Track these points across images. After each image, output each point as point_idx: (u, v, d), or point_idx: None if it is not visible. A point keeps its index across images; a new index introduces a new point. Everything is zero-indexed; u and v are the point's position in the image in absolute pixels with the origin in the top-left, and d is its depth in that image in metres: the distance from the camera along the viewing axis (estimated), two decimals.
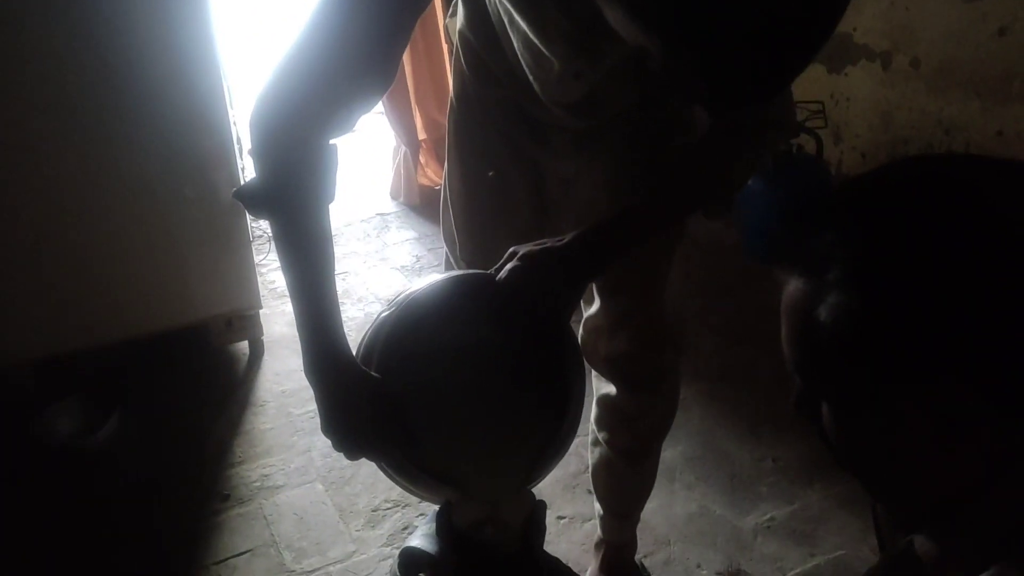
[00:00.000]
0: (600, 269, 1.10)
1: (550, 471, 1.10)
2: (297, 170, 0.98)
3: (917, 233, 0.60)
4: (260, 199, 0.98)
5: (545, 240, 1.08)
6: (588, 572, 1.65)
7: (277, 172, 0.98)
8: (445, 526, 0.94)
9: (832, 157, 3.06)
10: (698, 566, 1.70)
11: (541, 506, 0.96)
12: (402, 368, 1.02)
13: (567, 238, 1.06)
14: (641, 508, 1.59)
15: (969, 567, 0.59)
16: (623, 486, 1.55)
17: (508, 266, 1.06)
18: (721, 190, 1.15)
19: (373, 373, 1.00)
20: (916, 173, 0.65)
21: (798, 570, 1.67)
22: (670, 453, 2.00)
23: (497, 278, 1.06)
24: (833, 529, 1.75)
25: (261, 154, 0.98)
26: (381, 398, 0.99)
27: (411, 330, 1.03)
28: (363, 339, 1.08)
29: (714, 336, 2.51)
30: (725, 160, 1.12)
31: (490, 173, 1.32)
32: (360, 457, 1.03)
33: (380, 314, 1.08)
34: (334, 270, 1.04)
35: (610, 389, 1.42)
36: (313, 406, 2.23)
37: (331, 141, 1.02)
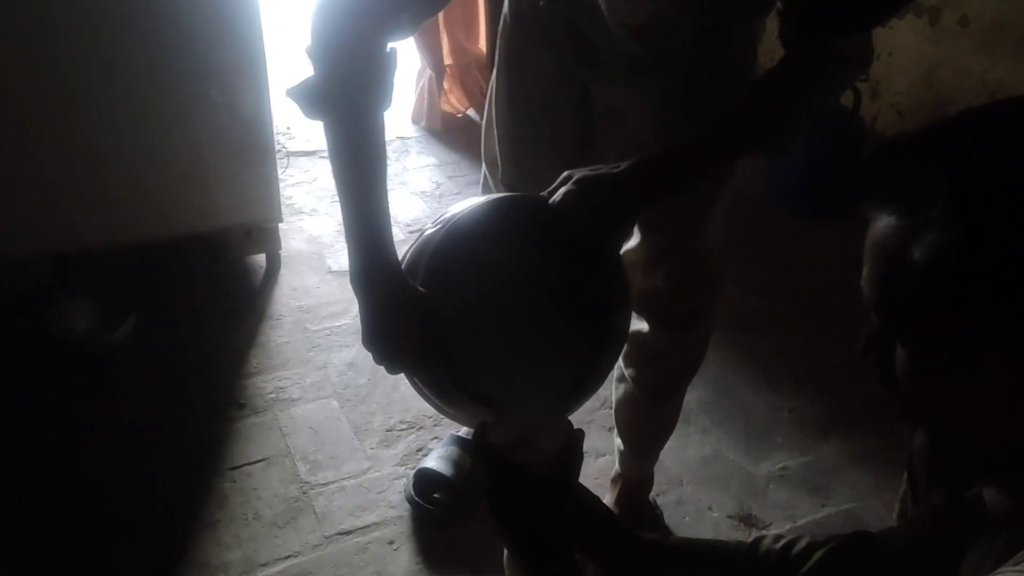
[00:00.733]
0: (655, 200, 1.07)
1: (586, 401, 1.09)
2: (357, 71, 0.96)
3: None
4: (317, 98, 0.96)
5: (600, 166, 1.05)
6: None
7: (337, 72, 0.95)
8: (481, 445, 0.92)
9: (867, 113, 2.99)
10: (709, 508, 1.71)
11: (579, 434, 0.95)
12: (447, 286, 1.00)
13: (623, 166, 1.03)
14: (661, 446, 1.60)
15: None
16: (646, 424, 1.55)
17: (562, 190, 1.03)
18: (786, 127, 1.11)
19: (420, 288, 0.99)
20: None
21: (808, 519, 1.68)
22: (687, 397, 1.99)
23: (550, 201, 1.03)
24: (846, 482, 1.76)
25: (322, 52, 0.95)
26: (426, 314, 0.98)
27: (458, 249, 1.01)
28: (407, 256, 1.06)
29: (734, 285, 2.48)
30: (792, 94, 1.08)
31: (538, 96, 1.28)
32: (400, 371, 1.02)
33: (425, 231, 1.06)
34: (386, 178, 1.02)
35: (642, 326, 1.41)
36: (330, 323, 2.24)
37: (391, 45, 0.99)
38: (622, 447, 1.59)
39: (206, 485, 1.70)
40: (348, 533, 1.59)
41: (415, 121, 3.61)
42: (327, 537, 1.58)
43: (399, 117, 3.64)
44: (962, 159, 0.62)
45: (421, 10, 1.01)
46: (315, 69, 0.96)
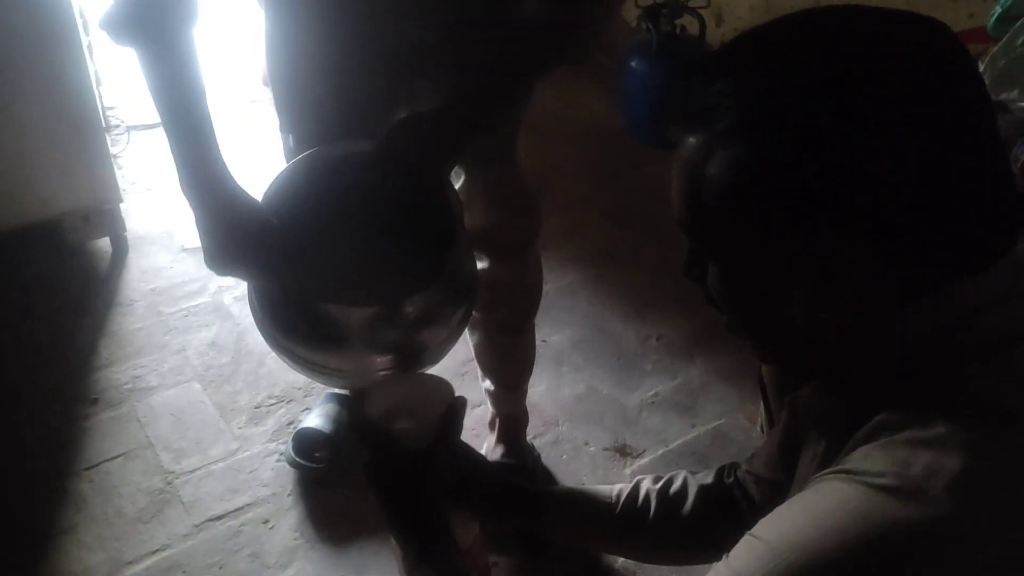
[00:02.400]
0: (473, 136, 1.05)
1: (439, 328, 1.05)
2: None
3: (807, 82, 0.58)
4: (123, 23, 0.91)
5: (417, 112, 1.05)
6: (484, 447, 1.66)
7: None
8: (357, 418, 0.89)
9: (714, 39, 3.03)
10: (586, 443, 1.73)
11: (461, 402, 0.92)
12: (282, 197, 1.02)
13: (439, 105, 1.02)
14: (527, 378, 1.63)
15: (852, 418, 0.59)
16: (507, 359, 1.59)
17: (386, 132, 1.01)
18: (576, 38, 1.10)
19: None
20: (809, 23, 0.63)
21: (679, 441, 1.73)
22: (558, 337, 2.01)
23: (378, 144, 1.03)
24: (712, 399, 1.82)
25: None
26: (263, 218, 0.97)
27: (294, 174, 1.03)
28: None
29: (602, 220, 2.51)
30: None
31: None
32: (231, 273, 0.99)
33: None
34: (206, 96, 0.96)
35: (482, 264, 1.41)
36: (187, 303, 2.13)
37: None
38: (492, 387, 1.61)
39: (61, 488, 1.60)
40: (219, 518, 1.54)
41: (265, 83, 3.45)
42: (196, 526, 1.52)
43: (249, 78, 3.47)
44: (744, 71, 0.62)
45: None
46: None
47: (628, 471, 1.66)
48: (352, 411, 0.89)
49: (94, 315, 2.08)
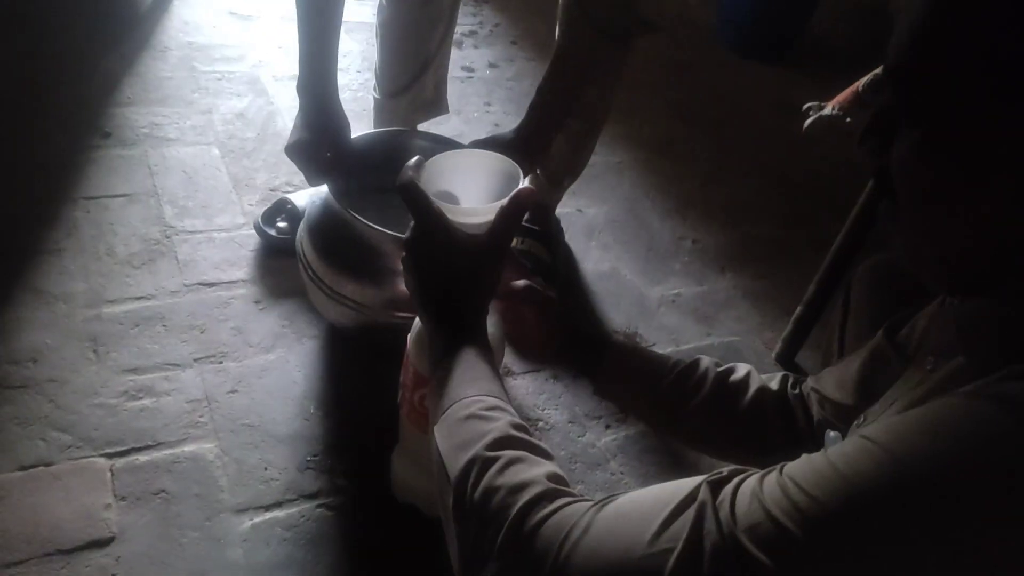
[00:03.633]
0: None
1: None
2: None
3: None
4: None
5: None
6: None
7: None
8: (410, 185, 0.77)
9: None
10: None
11: (525, 195, 0.79)
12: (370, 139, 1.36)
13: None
14: (571, 182, 1.70)
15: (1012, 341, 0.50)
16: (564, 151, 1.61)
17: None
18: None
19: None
20: None
21: (691, 345, 1.66)
22: (594, 211, 1.92)
23: None
24: (733, 316, 1.74)
25: None
26: (342, 132, 1.28)
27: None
28: None
29: (666, 108, 2.37)
30: None
31: None
32: (321, 182, 1.26)
33: None
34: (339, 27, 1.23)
35: None
36: (223, 67, 2.02)
37: None
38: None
39: (55, 210, 1.52)
40: (211, 285, 1.46)
41: None
42: (187, 285, 1.45)
43: None
44: None
45: None
46: None
47: None
48: (404, 180, 0.76)
49: (125, 51, 1.95)
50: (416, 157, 0.78)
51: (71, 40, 1.93)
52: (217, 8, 2.22)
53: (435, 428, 0.65)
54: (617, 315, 1.66)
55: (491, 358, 0.70)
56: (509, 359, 1.46)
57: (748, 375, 0.92)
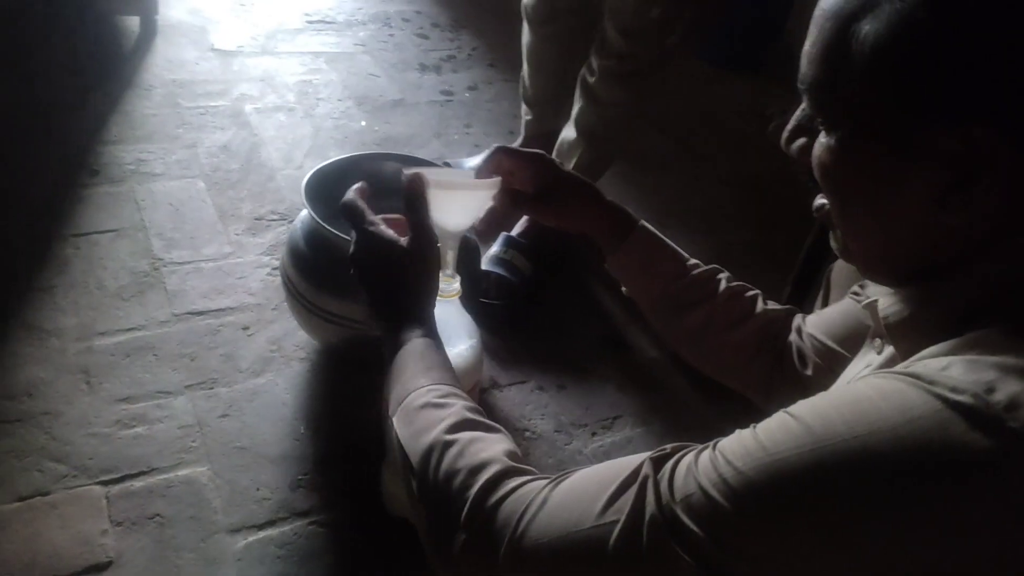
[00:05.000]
0: None
1: None
2: None
3: None
4: None
5: None
6: None
7: None
8: (346, 204, 0.85)
9: None
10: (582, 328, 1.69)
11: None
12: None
13: None
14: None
15: (939, 331, 0.54)
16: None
17: None
18: None
19: None
20: None
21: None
22: None
23: None
24: None
25: None
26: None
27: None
28: None
29: (643, 121, 2.42)
30: None
31: None
32: None
33: None
34: None
35: None
36: (206, 102, 2.07)
37: None
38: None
39: (46, 248, 1.55)
40: (200, 314, 1.50)
41: None
42: (176, 315, 1.48)
43: None
44: None
45: None
46: None
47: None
48: (346, 195, 0.85)
49: (109, 91, 2.00)
50: (360, 183, 0.86)
51: (59, 81, 1.98)
52: (199, 44, 2.28)
53: (394, 418, 0.70)
54: (597, 320, 1.70)
55: (442, 349, 0.76)
56: (495, 371, 1.50)
57: (755, 301, 0.92)
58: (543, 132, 1.87)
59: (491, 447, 0.63)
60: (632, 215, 0.93)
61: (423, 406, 0.68)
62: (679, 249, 0.94)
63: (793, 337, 0.90)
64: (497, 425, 0.68)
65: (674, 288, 0.91)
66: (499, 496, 0.59)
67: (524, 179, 0.90)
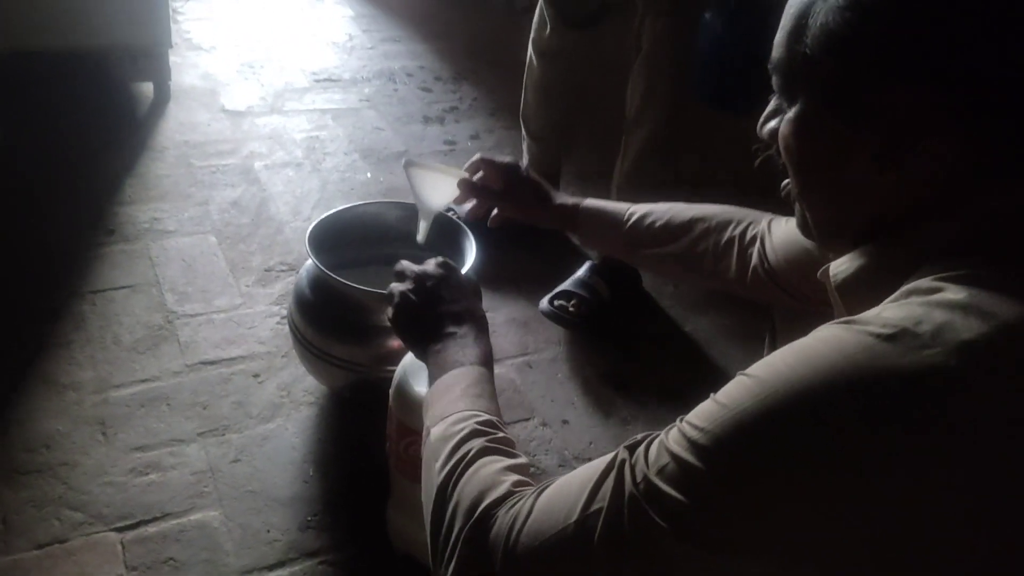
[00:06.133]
0: None
1: None
2: None
3: None
4: None
5: None
6: None
7: None
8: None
9: None
10: (583, 369, 1.72)
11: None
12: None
13: None
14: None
15: (881, 294, 0.57)
16: None
17: None
18: None
19: None
20: None
21: (679, 384, 1.71)
22: None
23: None
24: (717, 352, 1.79)
25: None
26: None
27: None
28: None
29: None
30: None
31: None
32: None
33: None
34: None
35: None
36: (217, 160, 2.15)
37: None
38: None
39: (64, 305, 1.62)
40: (212, 363, 1.55)
41: None
42: (188, 366, 1.53)
43: None
44: None
45: None
46: None
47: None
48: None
49: (125, 153, 2.08)
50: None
51: (77, 145, 2.07)
52: (210, 107, 2.37)
53: (432, 429, 0.76)
54: (600, 359, 1.72)
55: (486, 376, 0.82)
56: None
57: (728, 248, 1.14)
58: (545, 171, 1.89)
59: (503, 474, 0.68)
60: (579, 204, 1.20)
61: (454, 429, 0.74)
62: (619, 210, 1.19)
63: (757, 247, 1.08)
64: (517, 452, 0.73)
65: (626, 239, 1.17)
66: (494, 514, 0.63)
67: (495, 180, 1.20)
